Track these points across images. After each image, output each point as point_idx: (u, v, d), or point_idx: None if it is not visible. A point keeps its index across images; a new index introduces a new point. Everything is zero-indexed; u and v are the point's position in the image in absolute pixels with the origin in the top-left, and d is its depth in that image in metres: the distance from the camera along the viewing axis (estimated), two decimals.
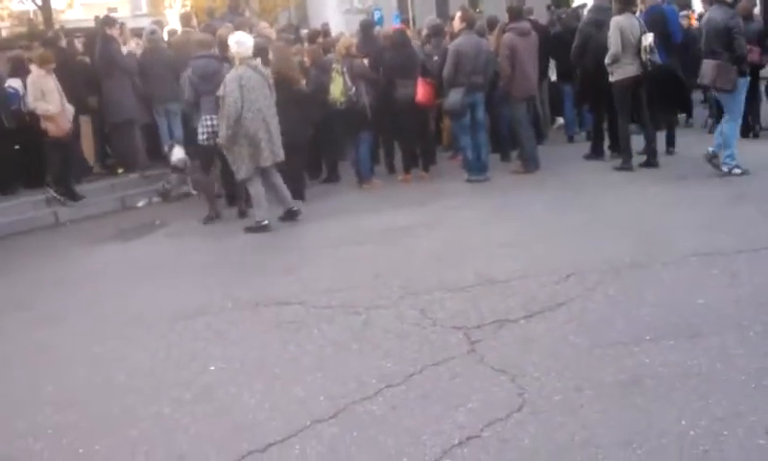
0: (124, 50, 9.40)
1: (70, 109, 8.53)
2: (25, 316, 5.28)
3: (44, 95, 8.14)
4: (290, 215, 7.17)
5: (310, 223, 7.19)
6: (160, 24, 11.29)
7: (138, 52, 9.60)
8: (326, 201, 7.84)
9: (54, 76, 8.30)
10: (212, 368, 3.97)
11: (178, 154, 8.50)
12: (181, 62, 8.94)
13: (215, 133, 7.11)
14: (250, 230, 6.97)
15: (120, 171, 9.59)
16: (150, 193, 9.07)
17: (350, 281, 5.17)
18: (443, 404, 3.29)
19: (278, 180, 7.10)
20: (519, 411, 3.16)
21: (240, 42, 6.83)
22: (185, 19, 10.66)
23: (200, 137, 7.38)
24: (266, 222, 6.91)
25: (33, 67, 8.30)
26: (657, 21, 7.92)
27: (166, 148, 9.07)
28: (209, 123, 7.24)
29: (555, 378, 3.41)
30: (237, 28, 9.50)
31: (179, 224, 7.46)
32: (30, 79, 8.23)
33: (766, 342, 3.55)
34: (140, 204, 8.94)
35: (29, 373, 4.22)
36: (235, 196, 7.95)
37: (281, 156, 7.01)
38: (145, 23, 12.23)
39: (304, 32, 11.14)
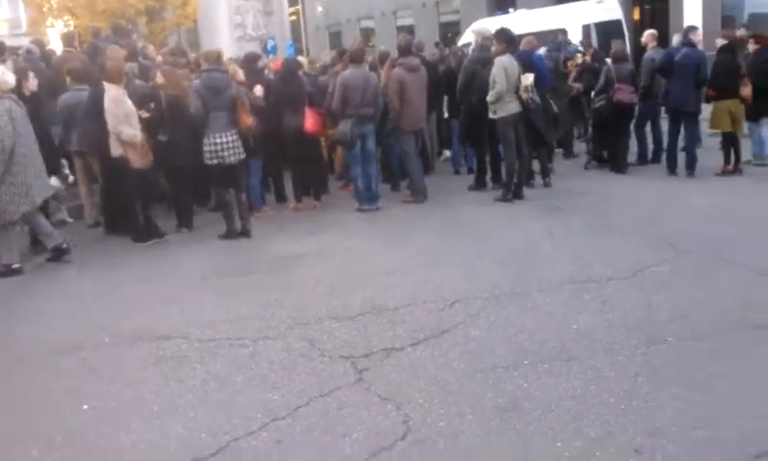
0: None
1: None
2: None
3: (128, 118, 6.98)
4: (57, 254, 6.86)
5: (196, 252, 7.00)
6: (41, 43, 10.71)
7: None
8: (214, 229, 7.66)
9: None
10: (85, 407, 3.75)
11: (53, 182, 8.04)
12: (61, 84, 8.55)
13: (228, 151, 7.07)
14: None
15: None
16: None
17: (237, 312, 5.06)
18: (329, 436, 3.27)
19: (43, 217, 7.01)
20: (404, 439, 3.19)
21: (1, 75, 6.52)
22: (67, 39, 10.18)
23: (207, 157, 7.10)
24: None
25: (108, 86, 6.94)
26: (523, 66, 8.35)
27: None
28: (218, 141, 7.04)
29: (438, 405, 3.48)
30: (126, 51, 9.21)
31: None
32: (109, 97, 6.90)
33: (634, 364, 3.78)
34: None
35: None
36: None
37: (49, 192, 7.01)
38: (25, 42, 11.55)
39: (193, 56, 10.90)
